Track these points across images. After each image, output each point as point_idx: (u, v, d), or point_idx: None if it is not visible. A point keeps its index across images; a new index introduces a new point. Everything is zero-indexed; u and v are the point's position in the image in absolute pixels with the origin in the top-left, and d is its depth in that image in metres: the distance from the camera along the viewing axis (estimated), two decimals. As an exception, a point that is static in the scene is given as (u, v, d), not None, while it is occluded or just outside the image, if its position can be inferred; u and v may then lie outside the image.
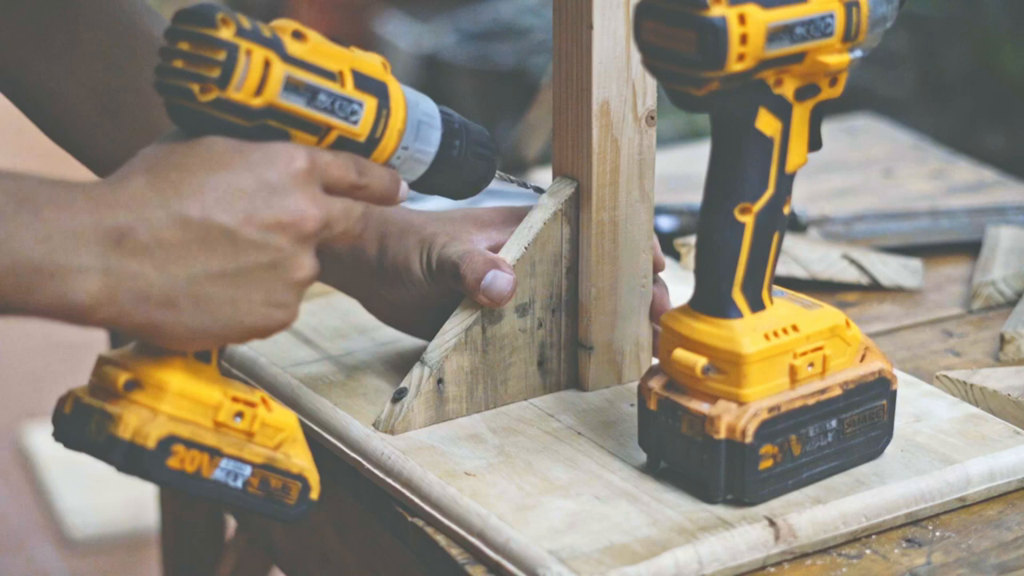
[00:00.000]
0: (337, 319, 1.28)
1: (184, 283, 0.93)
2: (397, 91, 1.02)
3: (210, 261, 0.93)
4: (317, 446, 1.15)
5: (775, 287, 1.05)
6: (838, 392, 1.05)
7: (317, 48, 0.98)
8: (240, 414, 0.98)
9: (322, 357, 1.22)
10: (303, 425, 1.15)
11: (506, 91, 3.72)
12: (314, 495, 1.02)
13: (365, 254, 1.16)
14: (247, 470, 0.99)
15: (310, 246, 0.97)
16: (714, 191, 1.01)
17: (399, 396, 1.11)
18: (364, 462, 1.10)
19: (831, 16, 0.98)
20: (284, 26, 0.98)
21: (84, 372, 1.00)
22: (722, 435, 1.01)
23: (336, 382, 1.18)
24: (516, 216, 1.16)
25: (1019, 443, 1.10)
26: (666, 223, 1.49)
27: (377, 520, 1.10)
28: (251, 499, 0.99)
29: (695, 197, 1.12)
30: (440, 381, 1.12)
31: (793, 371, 1.03)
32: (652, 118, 1.13)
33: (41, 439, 2.93)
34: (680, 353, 1.02)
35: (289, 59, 0.96)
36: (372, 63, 1.01)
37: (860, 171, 1.72)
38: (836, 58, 0.99)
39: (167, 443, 0.95)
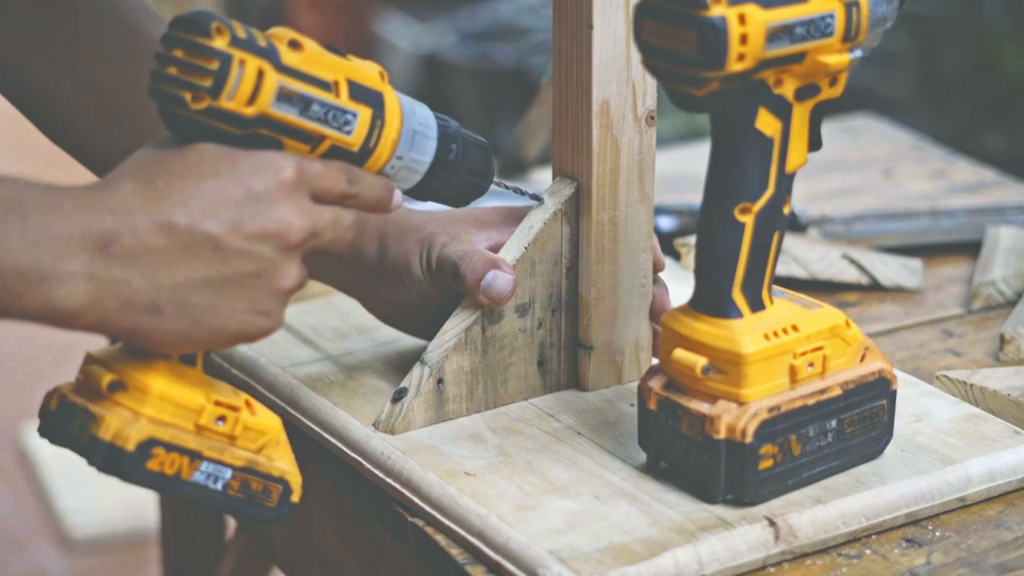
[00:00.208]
0: (337, 319, 1.28)
1: (168, 290, 0.93)
2: (393, 101, 1.02)
3: (195, 269, 0.94)
4: (317, 446, 1.15)
5: (775, 287, 1.05)
6: (838, 392, 1.05)
7: (313, 58, 0.98)
8: (222, 418, 0.99)
9: (322, 357, 1.22)
10: (303, 425, 1.15)
11: (506, 91, 3.72)
12: (295, 498, 1.03)
13: (365, 254, 1.16)
14: (228, 473, 0.99)
15: (296, 256, 0.97)
16: (714, 191, 1.01)
17: (399, 396, 1.11)
18: (364, 462, 1.10)
19: (831, 16, 0.98)
20: (281, 35, 0.98)
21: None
22: (722, 435, 1.01)
23: (336, 382, 1.18)
24: (516, 216, 1.16)
25: (1019, 443, 1.10)
26: (666, 223, 1.49)
27: (377, 520, 1.10)
28: (232, 501, 1.00)
29: (695, 197, 1.12)
30: (440, 381, 1.12)
31: (793, 371, 1.03)
32: (652, 118, 1.13)
33: (41, 439, 2.93)
34: (680, 353, 1.02)
35: (283, 69, 0.96)
36: (369, 73, 1.01)
37: (860, 171, 1.72)
38: (836, 58, 0.99)
39: (147, 446, 0.96)
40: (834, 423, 1.05)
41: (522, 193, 1.14)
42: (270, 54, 0.96)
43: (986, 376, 1.19)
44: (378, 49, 4.13)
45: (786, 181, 1.02)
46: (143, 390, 0.97)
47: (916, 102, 3.40)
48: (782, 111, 1.00)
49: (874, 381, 1.06)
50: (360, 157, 1.01)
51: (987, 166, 1.73)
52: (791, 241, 1.41)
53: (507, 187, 1.14)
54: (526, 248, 1.13)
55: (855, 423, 1.06)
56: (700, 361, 1.01)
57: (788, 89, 1.00)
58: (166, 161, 0.95)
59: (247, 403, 1.01)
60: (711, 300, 1.02)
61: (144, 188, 0.93)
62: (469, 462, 1.08)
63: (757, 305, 1.03)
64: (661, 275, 1.18)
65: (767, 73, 0.98)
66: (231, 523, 1.50)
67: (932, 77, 3.42)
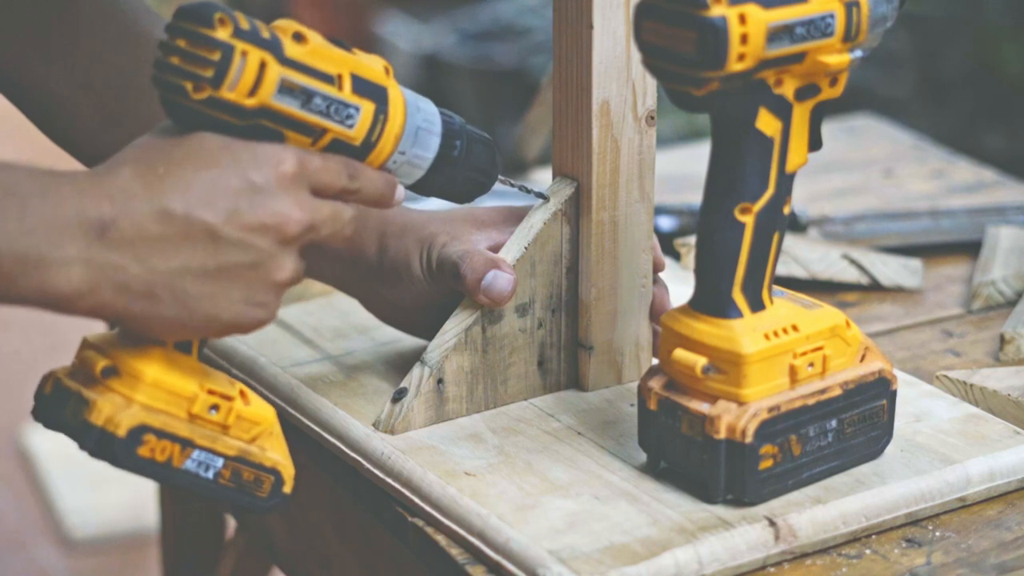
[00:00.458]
0: (337, 319, 1.28)
1: (164, 277, 0.94)
2: (397, 96, 1.02)
3: (191, 257, 0.94)
4: (317, 446, 1.15)
5: (775, 287, 1.05)
6: (838, 392, 1.05)
7: (316, 51, 0.98)
8: (216, 407, 0.99)
9: (322, 357, 1.22)
10: (303, 425, 1.15)
11: (506, 91, 3.72)
12: (287, 489, 1.03)
13: (365, 254, 1.16)
14: (219, 462, 1.00)
15: (293, 248, 0.97)
16: (714, 191, 1.01)
17: (399, 396, 1.11)
18: (364, 462, 1.10)
19: (831, 16, 0.98)
20: (285, 27, 0.98)
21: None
22: (722, 435, 1.01)
23: (336, 382, 1.18)
24: (516, 216, 1.16)
25: (1019, 443, 1.10)
26: (666, 223, 1.49)
27: (377, 520, 1.10)
28: (222, 490, 1.00)
29: (695, 197, 1.12)
30: (440, 381, 1.12)
31: (793, 371, 1.03)
32: (652, 118, 1.13)
33: (41, 439, 2.93)
34: (680, 353, 1.02)
35: (286, 61, 0.96)
36: (373, 67, 1.01)
37: (860, 171, 1.72)
38: (836, 58, 0.99)
39: (138, 432, 0.96)
40: (834, 423, 1.05)
41: (527, 191, 1.14)
42: (273, 46, 0.96)
43: (986, 376, 1.19)
44: (378, 49, 4.13)
45: (786, 181, 1.02)
46: (136, 376, 0.97)
47: (916, 102, 3.40)
48: (782, 111, 1.00)
49: (874, 381, 1.06)
50: (362, 151, 1.01)
51: (987, 166, 1.73)
52: (791, 241, 1.41)
53: (512, 184, 1.13)
54: (526, 248, 1.13)
55: (855, 423, 1.06)
56: (700, 361, 1.01)
57: (788, 89, 1.00)
58: (167, 149, 0.95)
59: (241, 393, 1.01)
60: (711, 300, 1.02)
61: (144, 175, 0.94)
62: (469, 462, 1.08)
63: (757, 305, 1.03)
64: (661, 275, 1.18)
65: (767, 73, 0.98)
66: (231, 523, 1.50)
67: (932, 77, 3.42)
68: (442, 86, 3.90)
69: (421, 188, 1.07)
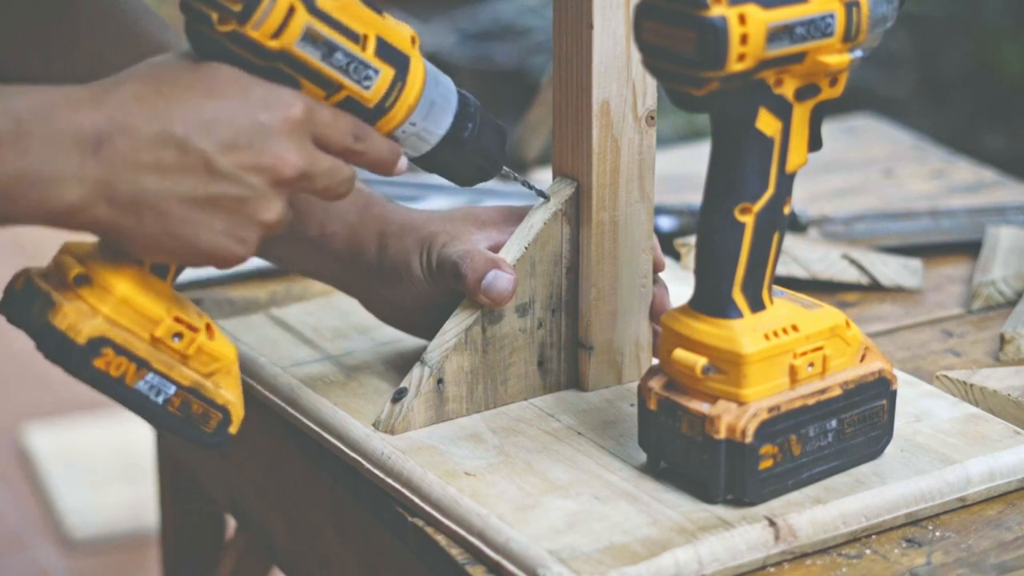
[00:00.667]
0: (337, 319, 1.28)
1: (152, 196, 0.94)
2: (418, 67, 1.02)
3: (181, 182, 0.95)
4: (317, 446, 1.15)
5: (775, 287, 1.05)
6: (838, 392, 1.05)
7: (347, 7, 0.99)
8: (179, 335, 1.00)
9: (322, 357, 1.22)
10: (303, 425, 1.15)
11: (506, 91, 3.72)
12: (233, 429, 1.03)
13: (365, 253, 1.16)
14: (171, 389, 1.00)
15: (284, 192, 0.98)
16: (714, 191, 1.01)
17: (399, 396, 1.11)
18: (364, 462, 1.10)
19: (831, 16, 0.98)
20: None
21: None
22: (722, 435, 1.01)
23: (336, 382, 1.18)
24: (516, 216, 1.16)
25: (1019, 443, 1.10)
26: (666, 223, 1.49)
27: (377, 520, 1.10)
28: (169, 418, 1.01)
29: (695, 197, 1.12)
30: (440, 381, 1.12)
31: (793, 371, 1.03)
32: (652, 118, 1.13)
33: (41, 439, 2.93)
34: (680, 353, 1.02)
35: (316, 11, 0.97)
36: (401, 34, 1.02)
37: (860, 171, 1.72)
38: (836, 58, 0.99)
39: (97, 344, 0.97)
40: (834, 423, 1.05)
41: (530, 187, 1.13)
42: None
43: (986, 376, 1.19)
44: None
45: (786, 181, 1.02)
46: (107, 289, 0.98)
47: (916, 102, 3.40)
48: (782, 111, 1.00)
49: (874, 381, 1.06)
50: (374, 115, 1.01)
51: (987, 166, 1.73)
52: (791, 241, 1.41)
53: (516, 177, 1.13)
54: (526, 248, 1.13)
55: (855, 423, 1.06)
56: (700, 361, 1.01)
57: (788, 89, 1.00)
58: (178, 71, 0.96)
59: (208, 326, 1.02)
60: (711, 300, 1.02)
61: (148, 93, 0.95)
62: (469, 462, 1.08)
63: (757, 305, 1.03)
64: (661, 275, 1.18)
65: (767, 73, 0.98)
66: (231, 523, 1.50)
67: (932, 77, 3.42)
68: (442, 86, 3.90)
69: (424, 162, 1.07)
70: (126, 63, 1.17)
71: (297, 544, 1.26)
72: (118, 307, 0.98)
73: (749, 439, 1.01)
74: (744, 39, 0.95)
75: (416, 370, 1.12)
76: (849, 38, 0.99)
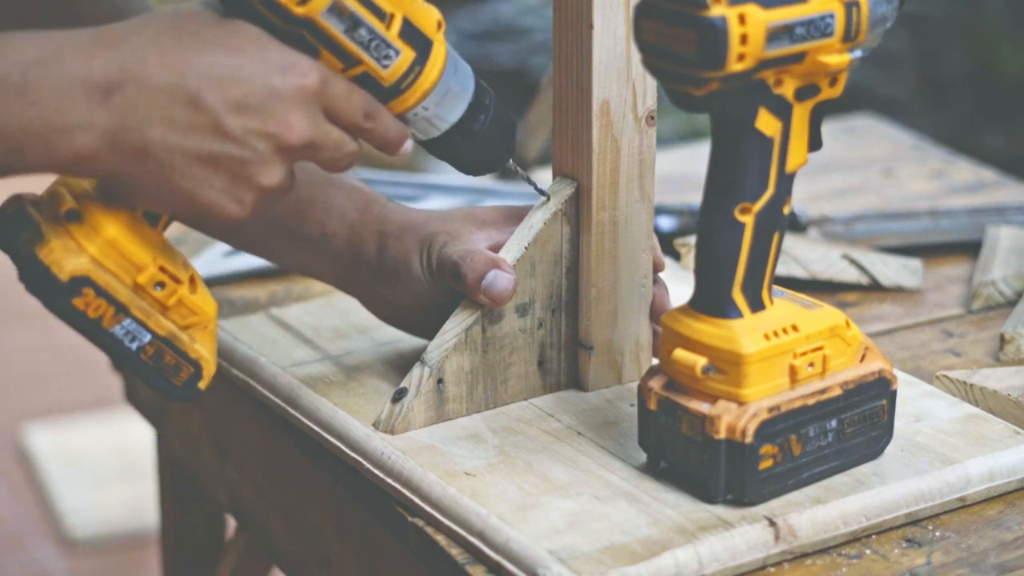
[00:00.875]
0: (337, 319, 1.28)
1: (157, 147, 0.94)
2: (440, 52, 1.03)
3: (187, 136, 0.95)
4: (317, 446, 1.15)
5: (775, 287, 1.05)
6: (838, 392, 1.05)
7: None
8: (162, 284, 1.00)
9: (322, 357, 1.22)
10: (303, 425, 1.15)
11: (506, 91, 3.72)
12: (203, 384, 1.03)
13: (364, 253, 1.16)
14: (146, 337, 1.00)
15: (287, 158, 0.98)
16: (714, 191, 1.01)
17: (399, 396, 1.11)
18: (364, 462, 1.10)
19: (831, 16, 0.98)
20: None
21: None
22: (722, 435, 1.01)
23: (336, 382, 1.18)
24: (516, 216, 1.16)
25: (1019, 443, 1.10)
26: (666, 223, 1.49)
27: (377, 520, 1.10)
28: (141, 365, 1.01)
29: (695, 197, 1.12)
30: (440, 381, 1.12)
31: (793, 371, 1.03)
32: (652, 118, 1.13)
33: (41, 439, 2.93)
34: (680, 353, 1.02)
35: None
36: (428, 17, 1.02)
37: (860, 171, 1.72)
38: (836, 58, 0.99)
39: (79, 283, 0.97)
40: (834, 423, 1.05)
41: (533, 185, 1.13)
42: None
43: (986, 376, 1.19)
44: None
45: (786, 181, 1.02)
46: (96, 229, 0.98)
47: (916, 102, 3.40)
48: (782, 111, 1.00)
49: (874, 381, 1.06)
50: (388, 94, 1.02)
51: (987, 166, 1.73)
52: (791, 241, 1.41)
53: (520, 172, 1.13)
54: (526, 248, 1.13)
55: (855, 423, 1.06)
56: (700, 361, 1.01)
57: (788, 89, 1.00)
58: (201, 24, 0.96)
59: (192, 279, 1.02)
60: (711, 300, 1.02)
61: (166, 41, 0.95)
62: (469, 462, 1.08)
63: (757, 305, 1.03)
64: (661, 275, 1.18)
65: (767, 73, 0.98)
66: (231, 523, 1.50)
67: (932, 77, 3.42)
68: (442, 86, 3.90)
69: (432, 147, 1.07)
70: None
71: (297, 544, 1.26)
72: (105, 248, 0.98)
73: (749, 439, 1.01)
74: (744, 39, 0.95)
75: (416, 370, 1.12)
76: (849, 38, 0.99)
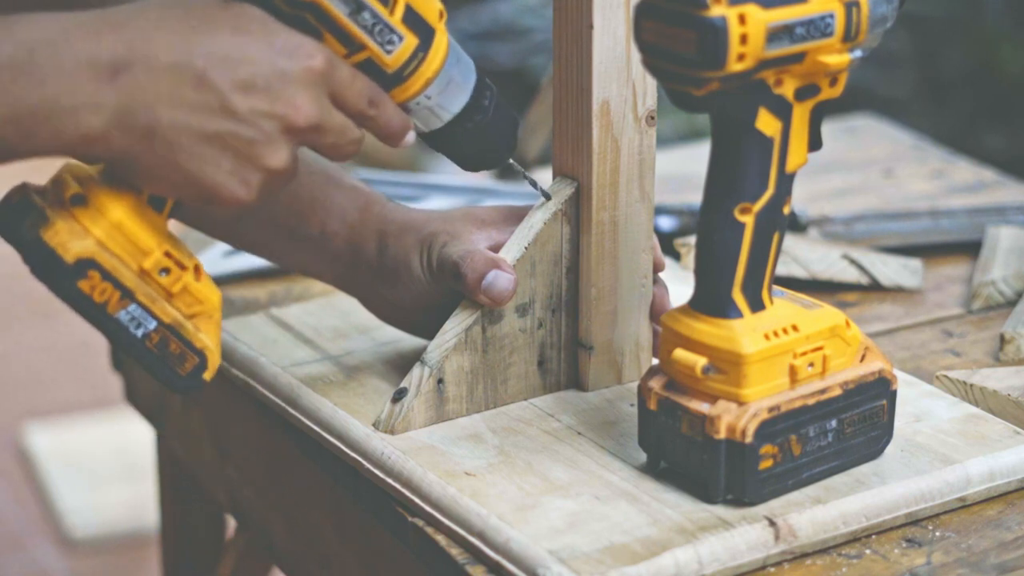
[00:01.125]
0: (337, 319, 1.28)
1: (165, 126, 0.94)
2: (442, 42, 1.03)
3: (195, 116, 0.95)
4: (317, 446, 1.15)
5: (775, 287, 1.05)
6: (838, 392, 1.05)
7: None
8: (167, 270, 1.00)
9: (322, 357, 1.22)
10: (303, 425, 1.15)
11: (506, 91, 3.72)
12: (207, 375, 1.03)
13: (365, 252, 1.16)
14: (152, 324, 1.00)
15: (293, 140, 0.98)
16: (714, 191, 1.01)
17: (399, 396, 1.11)
18: (364, 462, 1.10)
19: (831, 16, 0.98)
20: None
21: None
22: (722, 435, 1.01)
23: (336, 382, 1.18)
24: (516, 216, 1.16)
25: (1019, 443, 1.10)
26: (666, 223, 1.49)
27: (377, 520, 1.10)
28: (146, 353, 1.00)
29: (695, 197, 1.12)
30: (440, 381, 1.12)
31: (793, 371, 1.03)
32: (652, 118, 1.13)
33: (41, 439, 2.93)
34: (680, 353, 1.02)
35: None
36: (430, 5, 1.02)
37: (860, 171, 1.72)
38: (836, 58, 0.99)
39: (85, 265, 0.97)
40: (834, 423, 1.05)
41: (534, 184, 1.13)
42: None
43: (986, 376, 1.19)
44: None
45: (786, 181, 1.02)
46: (102, 212, 0.97)
47: (916, 102, 3.40)
48: (782, 111, 1.00)
49: (874, 381, 1.06)
50: (391, 81, 1.02)
51: (987, 166, 1.73)
52: (791, 241, 1.41)
53: (521, 171, 1.13)
54: (526, 248, 1.13)
55: (855, 423, 1.06)
56: (700, 361, 1.01)
57: (788, 89, 1.00)
58: (205, 5, 0.96)
59: (196, 268, 1.01)
60: (711, 300, 1.02)
61: (172, 22, 0.95)
62: (469, 462, 1.08)
63: (757, 305, 1.03)
64: (661, 275, 1.18)
65: (767, 73, 0.98)
66: (231, 523, 1.50)
67: (932, 77, 3.42)
68: (442, 86, 3.89)
69: (433, 140, 1.07)
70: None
71: (297, 544, 1.26)
72: (111, 232, 0.98)
73: (749, 439, 1.01)
74: (744, 39, 0.95)
75: (416, 370, 1.12)
76: (849, 38, 0.99)
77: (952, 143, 1.96)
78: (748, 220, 1.01)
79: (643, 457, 1.07)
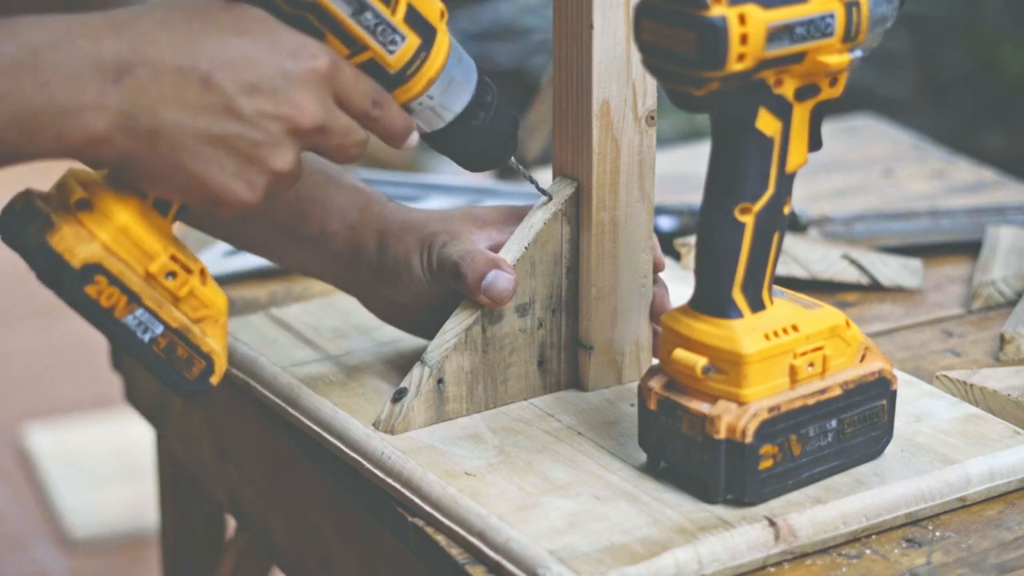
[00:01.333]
0: (337, 319, 1.28)
1: (169, 129, 0.94)
2: (444, 42, 1.03)
3: (200, 117, 0.95)
4: (317, 446, 1.15)
5: (775, 287, 1.05)
6: (838, 392, 1.05)
7: None
8: (173, 274, 1.00)
9: (322, 357, 1.22)
10: (303, 425, 1.15)
11: (506, 91, 3.72)
12: (215, 380, 1.03)
13: (365, 252, 1.16)
14: (159, 328, 1.00)
15: (299, 142, 0.98)
16: (714, 191, 1.01)
17: (399, 396, 1.11)
18: (364, 462, 1.10)
19: (831, 16, 0.98)
20: None
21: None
22: (722, 435, 1.01)
23: (336, 382, 1.18)
24: (516, 216, 1.16)
25: (1019, 443, 1.10)
26: (666, 223, 1.49)
27: (377, 520, 1.10)
28: (153, 358, 1.00)
29: (695, 197, 1.12)
30: (440, 381, 1.12)
31: (793, 371, 1.03)
32: (652, 118, 1.13)
33: (41, 439, 2.93)
34: (680, 353, 1.02)
35: None
36: (432, 6, 1.02)
37: (860, 171, 1.72)
38: (836, 58, 0.99)
39: (91, 270, 0.97)
40: (834, 423, 1.05)
41: (534, 184, 1.13)
42: None
43: (986, 376, 1.19)
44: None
45: (786, 181, 1.02)
46: (107, 216, 0.97)
47: (916, 102, 3.40)
48: (782, 111, 1.00)
49: (874, 381, 1.06)
50: (393, 82, 1.02)
51: (987, 166, 1.73)
52: (791, 241, 1.41)
53: (522, 171, 1.13)
54: (526, 248, 1.13)
55: (855, 423, 1.06)
56: (700, 361, 1.01)
57: (788, 89, 1.00)
58: (207, 7, 0.96)
59: (202, 271, 1.01)
60: (711, 300, 1.02)
61: (175, 24, 0.95)
62: (469, 462, 1.08)
63: (757, 305, 1.03)
64: (661, 275, 1.18)
65: (767, 73, 0.98)
66: (231, 523, 1.50)
67: (932, 77, 3.42)
68: (442, 86, 3.89)
69: (435, 140, 1.07)
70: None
71: (297, 544, 1.26)
72: (116, 236, 0.98)
73: (749, 439, 1.01)
74: (744, 39, 0.95)
75: (416, 370, 1.12)
76: (849, 38, 0.99)
77: (952, 143, 1.96)
78: (748, 220, 1.01)
79: (643, 457, 1.07)
